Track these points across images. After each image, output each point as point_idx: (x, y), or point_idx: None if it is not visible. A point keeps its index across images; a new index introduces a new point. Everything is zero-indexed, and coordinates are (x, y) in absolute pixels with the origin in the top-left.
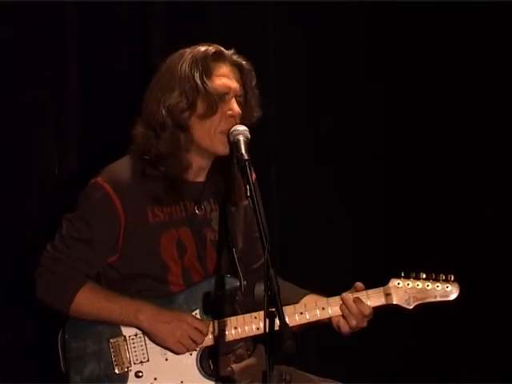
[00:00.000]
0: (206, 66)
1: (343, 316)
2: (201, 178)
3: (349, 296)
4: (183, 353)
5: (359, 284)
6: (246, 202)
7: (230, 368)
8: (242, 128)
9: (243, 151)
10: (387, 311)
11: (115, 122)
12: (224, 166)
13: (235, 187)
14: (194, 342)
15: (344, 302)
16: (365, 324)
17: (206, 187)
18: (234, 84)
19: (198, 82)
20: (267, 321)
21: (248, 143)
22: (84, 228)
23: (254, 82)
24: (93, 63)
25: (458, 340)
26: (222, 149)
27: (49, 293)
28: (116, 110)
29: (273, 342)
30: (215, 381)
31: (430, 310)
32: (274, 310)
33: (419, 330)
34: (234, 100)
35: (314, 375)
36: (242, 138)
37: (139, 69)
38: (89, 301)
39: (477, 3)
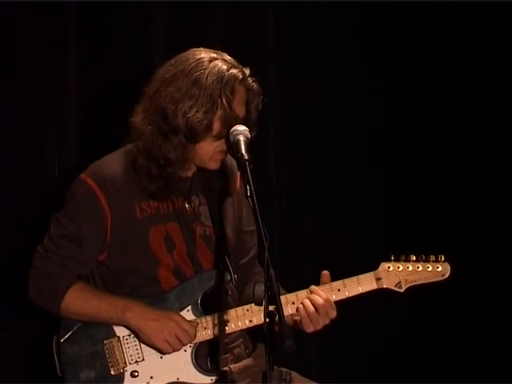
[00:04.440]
0: (232, 90)
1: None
2: (189, 173)
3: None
4: (169, 352)
5: (325, 273)
6: (236, 193)
7: (227, 367)
8: (242, 128)
9: (243, 151)
10: (387, 311)
11: (115, 121)
12: None
13: (226, 177)
14: (181, 341)
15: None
16: (327, 321)
17: (194, 182)
18: (244, 108)
19: (225, 104)
20: (267, 321)
21: (248, 143)
22: (70, 225)
23: (260, 107)
24: (93, 63)
25: (451, 321)
26: (215, 165)
27: (40, 293)
28: (116, 109)
29: (273, 342)
30: (211, 376)
31: (427, 305)
32: (273, 309)
33: (419, 329)
34: None
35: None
36: (242, 138)
37: (139, 69)
38: (78, 299)
39: (477, 3)
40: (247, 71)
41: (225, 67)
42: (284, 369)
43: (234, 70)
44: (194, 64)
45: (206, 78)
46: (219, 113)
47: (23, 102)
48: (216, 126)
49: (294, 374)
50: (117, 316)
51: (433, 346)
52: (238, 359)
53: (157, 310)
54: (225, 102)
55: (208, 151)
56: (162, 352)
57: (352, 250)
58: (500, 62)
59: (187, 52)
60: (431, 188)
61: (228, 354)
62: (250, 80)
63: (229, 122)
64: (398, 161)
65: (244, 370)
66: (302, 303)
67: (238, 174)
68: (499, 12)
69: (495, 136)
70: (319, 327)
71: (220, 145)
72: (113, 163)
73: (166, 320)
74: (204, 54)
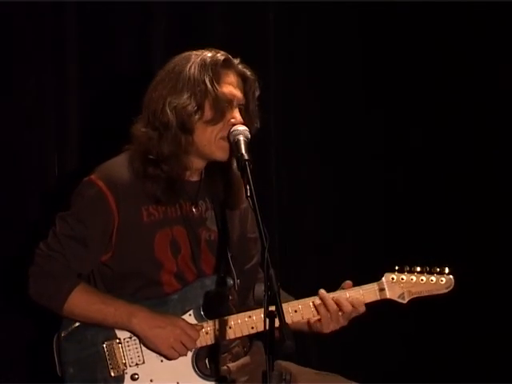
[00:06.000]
0: (215, 71)
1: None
2: (196, 177)
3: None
4: (175, 358)
5: (348, 282)
6: (243, 205)
7: (226, 367)
8: (242, 128)
9: (243, 151)
10: (386, 308)
11: (115, 121)
12: (221, 167)
13: (233, 190)
14: (186, 347)
15: (323, 301)
16: (345, 322)
17: (201, 186)
18: (238, 93)
19: (209, 86)
20: (267, 321)
21: (248, 143)
22: (78, 226)
23: (257, 93)
24: (93, 63)
25: (454, 333)
26: (221, 155)
27: (42, 292)
28: (116, 109)
29: (273, 342)
30: (211, 381)
31: (426, 305)
32: (273, 310)
33: (418, 327)
34: (236, 109)
35: (314, 369)
36: (242, 138)
37: (139, 69)
38: (83, 302)
39: (477, 3)
40: (237, 60)
41: (209, 55)
42: (284, 362)
43: (217, 56)
44: (178, 62)
45: (190, 69)
46: (208, 97)
47: (23, 102)
48: (206, 109)
49: (292, 367)
50: (122, 322)
51: (433, 349)
52: (236, 358)
53: (162, 316)
54: (208, 84)
55: (209, 139)
56: (167, 358)
57: (352, 249)
58: (500, 62)
59: (177, 56)
60: (431, 187)
61: (226, 354)
62: (239, 66)
63: (219, 104)
64: (398, 160)
65: (242, 369)
66: (323, 302)
67: None
68: (499, 12)
69: (495, 136)
70: (338, 327)
71: (220, 131)
72: (121, 166)
73: (171, 327)
74: (190, 52)
